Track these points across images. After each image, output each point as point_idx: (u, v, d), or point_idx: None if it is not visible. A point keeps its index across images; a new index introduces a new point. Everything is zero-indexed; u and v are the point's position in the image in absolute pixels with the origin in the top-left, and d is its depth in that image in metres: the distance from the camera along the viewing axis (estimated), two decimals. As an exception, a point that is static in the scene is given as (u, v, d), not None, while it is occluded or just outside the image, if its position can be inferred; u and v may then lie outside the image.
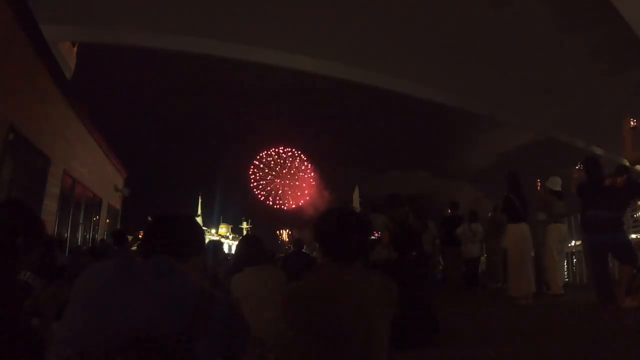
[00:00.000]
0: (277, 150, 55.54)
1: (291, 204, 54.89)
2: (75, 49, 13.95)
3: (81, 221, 8.40)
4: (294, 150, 55.64)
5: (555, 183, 5.70)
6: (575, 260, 7.59)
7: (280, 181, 55.05)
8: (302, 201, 54.10)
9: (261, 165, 54.75)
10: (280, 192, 54.98)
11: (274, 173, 54.92)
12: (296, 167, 55.32)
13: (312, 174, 54.85)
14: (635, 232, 7.19)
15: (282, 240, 54.25)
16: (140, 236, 4.97)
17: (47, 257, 2.38)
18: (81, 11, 11.23)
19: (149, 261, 1.08)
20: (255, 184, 54.43)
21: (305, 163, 55.65)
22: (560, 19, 13.31)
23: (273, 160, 55.15)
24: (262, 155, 54.99)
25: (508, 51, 14.26)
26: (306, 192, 54.85)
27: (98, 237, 9.97)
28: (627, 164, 4.84)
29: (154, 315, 0.93)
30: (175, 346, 0.89)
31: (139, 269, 1.04)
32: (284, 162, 55.42)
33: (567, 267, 7.24)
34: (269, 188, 54.88)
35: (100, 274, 1.01)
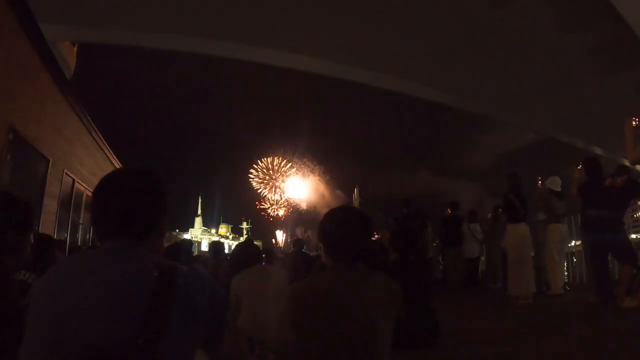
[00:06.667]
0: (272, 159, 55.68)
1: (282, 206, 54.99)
2: (75, 49, 13.94)
3: (81, 221, 8.38)
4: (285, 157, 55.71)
5: (556, 183, 5.70)
6: (575, 260, 7.59)
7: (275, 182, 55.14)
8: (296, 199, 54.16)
9: (259, 172, 55.02)
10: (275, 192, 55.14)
11: (268, 178, 55.08)
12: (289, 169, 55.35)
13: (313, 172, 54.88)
14: (635, 232, 7.20)
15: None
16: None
17: (47, 257, 2.38)
18: (81, 11, 11.21)
19: (97, 257, 0.94)
20: (255, 185, 54.74)
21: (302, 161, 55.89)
22: (560, 19, 13.30)
23: (268, 167, 55.39)
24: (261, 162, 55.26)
25: (508, 51, 14.24)
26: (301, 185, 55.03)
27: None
28: (628, 163, 4.84)
29: (104, 324, 0.82)
30: (130, 353, 0.79)
31: (88, 269, 0.90)
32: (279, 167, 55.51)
33: (567, 267, 7.23)
34: (266, 192, 55.02)
35: (51, 292, 0.87)
